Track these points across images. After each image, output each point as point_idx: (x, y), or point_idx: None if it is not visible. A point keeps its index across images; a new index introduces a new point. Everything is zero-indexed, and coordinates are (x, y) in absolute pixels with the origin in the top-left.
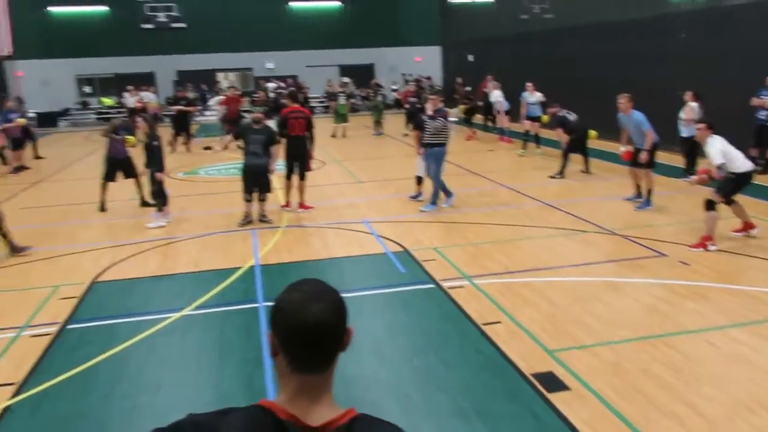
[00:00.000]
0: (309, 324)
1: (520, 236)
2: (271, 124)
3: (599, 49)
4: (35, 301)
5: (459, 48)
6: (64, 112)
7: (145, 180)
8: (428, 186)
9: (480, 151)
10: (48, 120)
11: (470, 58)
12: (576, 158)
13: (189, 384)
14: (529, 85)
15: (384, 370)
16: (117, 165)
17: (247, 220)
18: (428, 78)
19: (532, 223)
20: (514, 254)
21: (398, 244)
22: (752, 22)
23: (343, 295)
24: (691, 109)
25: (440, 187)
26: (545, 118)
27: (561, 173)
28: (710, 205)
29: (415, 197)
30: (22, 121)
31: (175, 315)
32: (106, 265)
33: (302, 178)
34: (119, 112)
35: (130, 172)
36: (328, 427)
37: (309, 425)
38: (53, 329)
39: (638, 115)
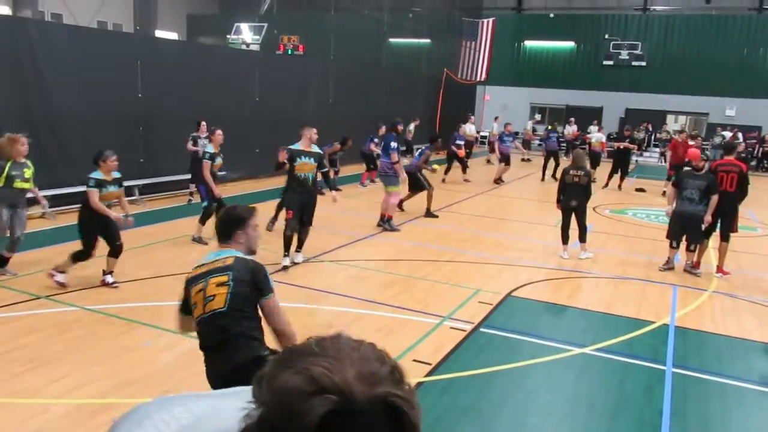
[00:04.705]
0: None
1: None
2: None
3: None
4: (459, 298)
5: None
6: (514, 135)
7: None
8: None
9: None
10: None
11: None
12: None
13: (579, 423)
14: None
15: None
16: None
17: (667, 267)
18: None
19: None
20: None
21: None
22: None
23: None
24: None
25: None
26: None
27: None
28: None
29: None
30: (461, 152)
31: (576, 350)
32: (522, 282)
33: (724, 239)
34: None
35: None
36: None
37: None
38: (468, 327)
39: None
